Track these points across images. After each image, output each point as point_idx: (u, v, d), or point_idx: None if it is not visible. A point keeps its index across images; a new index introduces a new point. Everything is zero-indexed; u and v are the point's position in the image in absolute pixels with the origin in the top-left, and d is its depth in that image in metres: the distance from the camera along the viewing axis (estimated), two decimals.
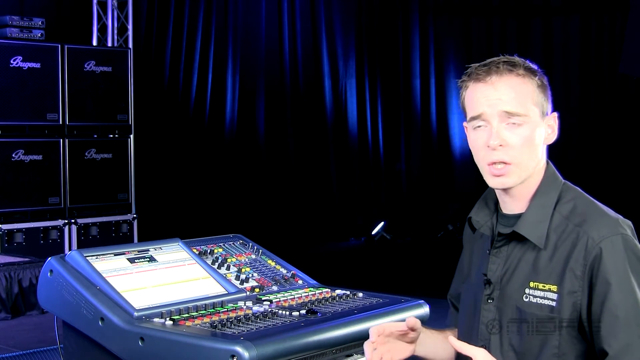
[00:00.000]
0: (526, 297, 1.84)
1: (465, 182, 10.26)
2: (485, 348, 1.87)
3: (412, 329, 1.94)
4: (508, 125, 1.83)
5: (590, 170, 9.92)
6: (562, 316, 1.78)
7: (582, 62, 10.58)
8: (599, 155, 10.39)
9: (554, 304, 1.79)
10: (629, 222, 1.83)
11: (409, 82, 10.93)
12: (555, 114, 1.90)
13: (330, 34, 10.72)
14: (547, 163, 1.92)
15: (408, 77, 10.94)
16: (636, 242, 1.79)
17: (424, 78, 10.90)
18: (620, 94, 10.46)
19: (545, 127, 1.88)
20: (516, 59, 1.88)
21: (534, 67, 1.89)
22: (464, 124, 1.95)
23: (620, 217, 1.83)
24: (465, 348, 1.77)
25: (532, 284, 1.83)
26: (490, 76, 1.84)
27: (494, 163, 1.84)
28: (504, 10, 10.86)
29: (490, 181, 1.88)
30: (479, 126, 1.87)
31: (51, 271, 2.42)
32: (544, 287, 1.81)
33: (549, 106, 1.88)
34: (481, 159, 1.88)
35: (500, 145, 1.83)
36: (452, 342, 1.79)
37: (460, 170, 10.59)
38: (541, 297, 1.81)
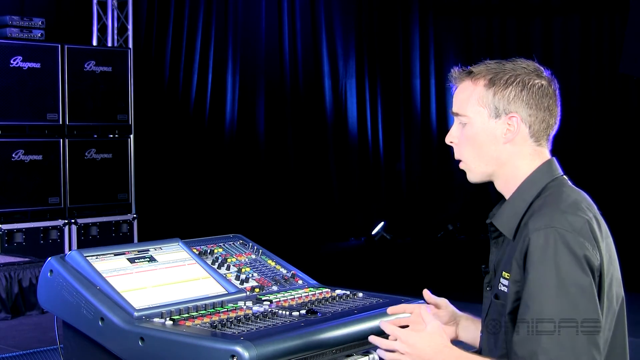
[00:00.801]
0: (500, 286, 1.91)
1: (465, 182, 10.21)
2: (481, 335, 1.99)
3: (437, 306, 2.13)
4: (460, 124, 2.00)
5: (590, 170, 9.92)
6: (507, 303, 1.84)
7: (582, 62, 10.58)
8: (599, 155, 10.39)
9: (507, 290, 1.86)
10: (584, 220, 1.80)
11: (409, 82, 10.93)
12: (518, 115, 1.92)
13: (330, 34, 10.72)
14: (550, 160, 1.95)
15: (408, 77, 10.93)
16: (580, 239, 1.77)
17: (424, 78, 10.90)
18: (620, 94, 10.46)
19: (501, 127, 1.93)
20: (484, 65, 1.97)
21: (504, 68, 1.93)
22: None
23: (579, 214, 1.81)
24: (426, 318, 1.88)
25: (503, 273, 1.90)
26: (451, 82, 2.03)
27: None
28: (504, 10, 10.86)
29: None
30: None
31: (51, 271, 2.42)
32: (507, 276, 1.87)
33: (510, 106, 1.92)
34: None
35: (451, 142, 2.03)
36: (422, 312, 1.92)
37: (460, 170, 10.56)
38: (505, 285, 1.88)
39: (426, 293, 2.14)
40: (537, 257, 1.77)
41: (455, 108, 2.00)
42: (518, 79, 1.92)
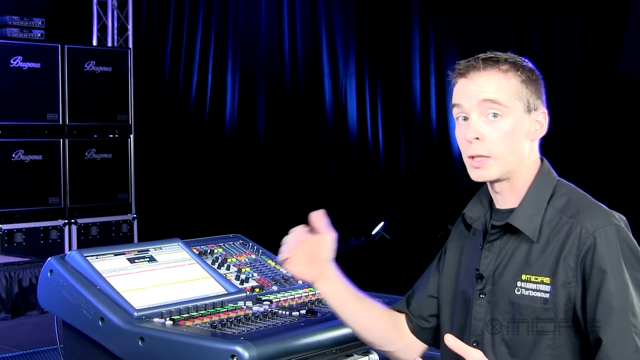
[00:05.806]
0: (518, 290, 1.82)
1: (465, 182, 10.19)
2: (477, 345, 1.86)
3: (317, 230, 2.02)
4: (487, 118, 1.84)
5: (590, 170, 9.92)
6: (557, 308, 1.77)
7: (582, 62, 10.58)
8: (599, 155, 10.38)
9: (547, 295, 1.78)
10: (623, 217, 1.84)
11: (409, 82, 10.92)
12: (545, 111, 1.89)
13: (330, 34, 10.71)
14: (542, 160, 1.92)
15: (408, 77, 10.93)
16: (629, 234, 1.79)
17: (424, 78, 10.89)
18: (620, 94, 10.46)
19: (532, 123, 1.87)
20: (500, 54, 1.90)
21: (524, 62, 1.90)
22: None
23: (614, 211, 1.84)
24: (463, 349, 1.73)
25: (524, 277, 1.82)
26: (470, 71, 1.87)
27: (473, 157, 1.86)
28: (504, 10, 10.86)
29: (471, 174, 1.89)
30: (463, 119, 1.88)
31: (51, 271, 2.42)
32: (537, 279, 1.80)
33: (537, 102, 1.88)
34: (463, 153, 1.90)
35: (476, 139, 1.84)
36: (447, 339, 1.73)
37: (460, 170, 10.56)
38: (533, 290, 1.80)
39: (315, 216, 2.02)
40: (606, 255, 1.74)
41: (486, 95, 1.84)
42: (538, 74, 1.89)
